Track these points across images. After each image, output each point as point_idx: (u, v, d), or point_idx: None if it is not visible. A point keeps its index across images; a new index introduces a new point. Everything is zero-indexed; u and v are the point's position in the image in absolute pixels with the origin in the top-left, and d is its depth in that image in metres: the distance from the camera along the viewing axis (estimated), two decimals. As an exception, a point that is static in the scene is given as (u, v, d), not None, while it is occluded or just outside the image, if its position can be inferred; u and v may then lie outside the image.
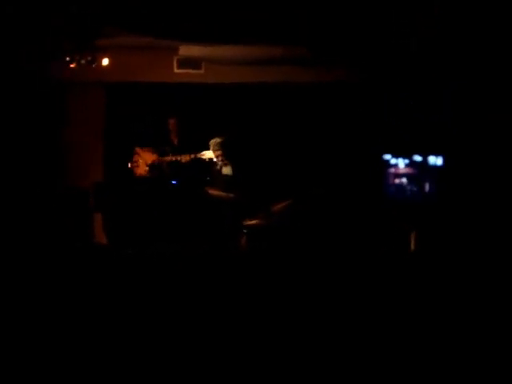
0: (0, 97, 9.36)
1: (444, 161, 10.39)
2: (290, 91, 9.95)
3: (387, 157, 10.73)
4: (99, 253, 9.09)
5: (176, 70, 9.85)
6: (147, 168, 9.14)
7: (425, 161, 10.65)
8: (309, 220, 9.21)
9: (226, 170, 8.92)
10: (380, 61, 9.48)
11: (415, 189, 10.96)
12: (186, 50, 9.40)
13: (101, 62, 9.01)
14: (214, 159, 8.87)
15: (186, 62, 9.77)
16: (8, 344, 5.22)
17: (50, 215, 9.23)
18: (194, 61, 9.72)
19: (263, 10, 7.93)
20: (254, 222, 8.74)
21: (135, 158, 9.21)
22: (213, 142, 8.87)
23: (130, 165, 9.22)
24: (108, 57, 9.07)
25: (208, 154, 8.85)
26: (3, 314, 5.84)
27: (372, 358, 5.08)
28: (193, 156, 8.92)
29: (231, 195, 8.74)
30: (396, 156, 10.78)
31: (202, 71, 9.86)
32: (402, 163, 10.91)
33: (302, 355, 5.14)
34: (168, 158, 9.11)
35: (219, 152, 8.82)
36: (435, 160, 10.57)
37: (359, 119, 10.06)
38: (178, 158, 9.02)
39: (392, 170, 10.93)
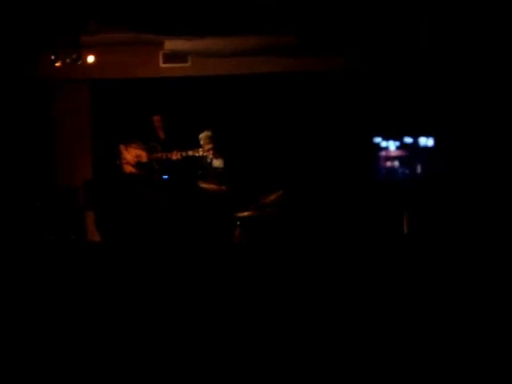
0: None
1: (435, 141, 10.34)
2: (277, 81, 9.89)
3: (377, 140, 10.68)
4: (92, 250, 9.12)
5: (162, 65, 9.79)
6: (135, 165, 9.10)
7: (416, 142, 10.60)
8: (301, 209, 9.23)
9: (217, 163, 8.91)
10: (367, 47, 9.42)
11: (407, 171, 10.94)
12: (172, 45, 9.31)
13: (86, 60, 8.96)
14: (205, 153, 8.86)
15: (171, 57, 9.69)
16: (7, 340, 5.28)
17: (41, 214, 9.22)
18: (180, 55, 9.63)
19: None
20: (246, 213, 8.74)
21: (122, 155, 9.15)
22: (203, 135, 8.87)
23: (118, 162, 9.18)
24: (93, 54, 9.03)
25: (200, 152, 8.85)
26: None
27: (371, 342, 5.15)
28: (184, 154, 8.89)
29: (223, 188, 8.73)
30: (386, 138, 10.74)
31: (188, 65, 9.79)
32: (392, 145, 10.88)
33: (301, 345, 5.18)
34: (158, 155, 9.06)
35: (210, 145, 8.82)
36: (426, 141, 10.53)
37: (348, 104, 10.02)
38: (169, 156, 8.98)
39: (383, 153, 10.90)
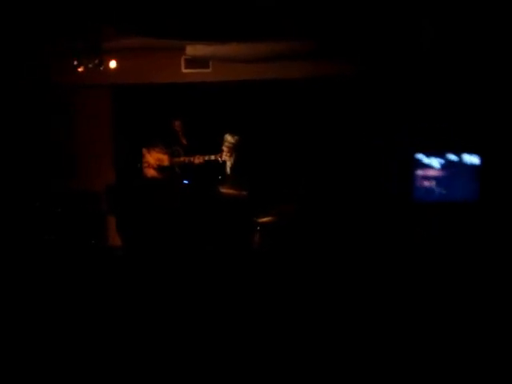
0: (9, 102, 9.59)
1: (481, 159, 9.95)
2: (301, 87, 9.81)
3: (419, 156, 10.34)
4: (113, 254, 9.18)
5: (184, 70, 9.84)
6: (157, 169, 9.16)
7: (459, 160, 10.22)
8: (320, 219, 9.11)
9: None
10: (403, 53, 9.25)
11: (445, 192, 10.44)
12: (193, 50, 9.38)
13: (108, 65, 9.10)
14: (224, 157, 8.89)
15: (193, 62, 9.75)
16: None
17: (63, 219, 9.35)
18: (202, 60, 9.70)
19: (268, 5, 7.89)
20: (266, 219, 8.70)
21: (145, 159, 9.23)
22: (225, 138, 8.91)
23: (139, 165, 9.25)
24: (115, 59, 9.16)
25: (222, 157, 8.88)
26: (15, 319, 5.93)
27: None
28: (206, 158, 8.94)
29: (244, 193, 8.72)
30: (428, 155, 10.36)
31: (209, 70, 9.83)
32: (435, 162, 10.51)
33: (318, 348, 5.14)
34: (181, 159, 9.12)
35: (226, 148, 8.84)
36: (470, 159, 10.14)
37: (384, 115, 9.85)
38: (191, 160, 9.03)
39: (423, 170, 10.48)
